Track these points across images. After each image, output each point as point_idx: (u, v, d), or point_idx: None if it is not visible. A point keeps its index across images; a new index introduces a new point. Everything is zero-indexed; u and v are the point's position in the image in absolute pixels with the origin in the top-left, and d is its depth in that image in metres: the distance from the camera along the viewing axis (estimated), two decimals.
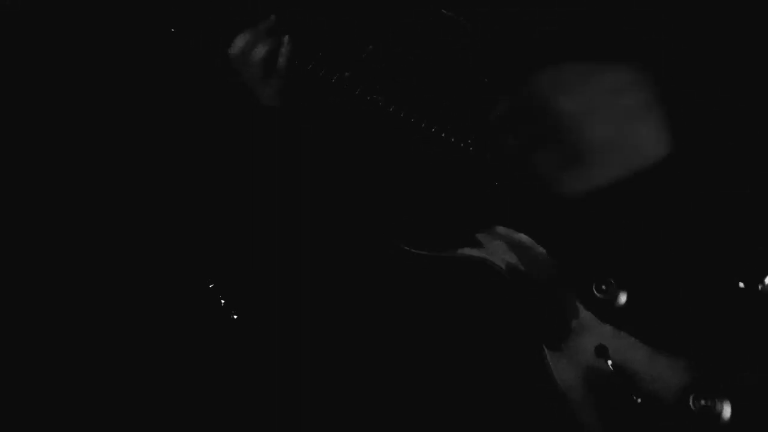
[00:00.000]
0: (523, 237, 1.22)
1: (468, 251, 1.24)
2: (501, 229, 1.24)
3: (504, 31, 1.31)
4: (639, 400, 1.05)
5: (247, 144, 1.55)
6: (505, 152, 1.11)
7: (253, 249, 1.61)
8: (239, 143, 1.56)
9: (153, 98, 1.65)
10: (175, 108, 1.63)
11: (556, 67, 1.07)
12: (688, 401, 1.02)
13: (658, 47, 1.09)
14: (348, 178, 1.47)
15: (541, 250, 1.20)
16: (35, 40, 1.64)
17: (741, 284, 1.06)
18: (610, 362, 1.09)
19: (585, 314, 1.14)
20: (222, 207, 1.61)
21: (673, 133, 1.05)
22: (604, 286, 1.13)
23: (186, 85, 1.61)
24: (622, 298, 1.12)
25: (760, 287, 1.05)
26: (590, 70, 1.06)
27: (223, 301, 1.60)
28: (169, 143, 1.65)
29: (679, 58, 1.08)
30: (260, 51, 1.40)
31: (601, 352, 1.10)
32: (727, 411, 1.01)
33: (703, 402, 1.01)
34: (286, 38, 1.39)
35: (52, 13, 1.63)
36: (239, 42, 1.40)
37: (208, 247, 1.64)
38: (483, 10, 1.33)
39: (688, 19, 1.12)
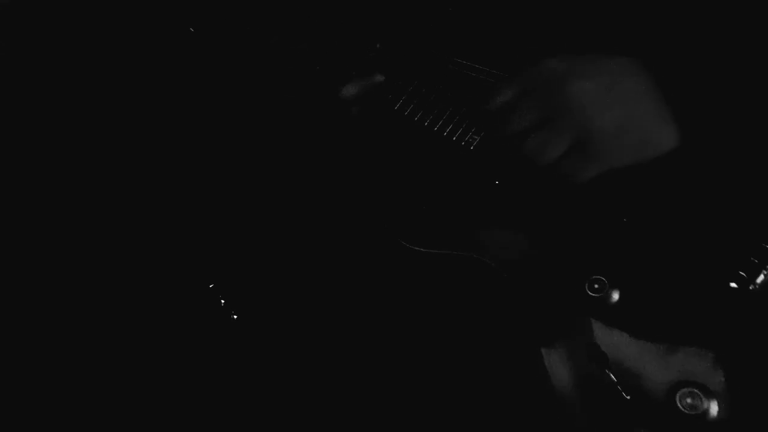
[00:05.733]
0: (520, 235, 1.22)
1: (464, 249, 1.25)
2: (499, 227, 1.24)
3: (508, 29, 1.31)
4: (628, 398, 1.05)
5: (247, 142, 1.56)
6: (508, 138, 1.10)
7: (253, 248, 1.61)
8: (239, 141, 1.57)
9: (154, 97, 1.66)
10: (176, 107, 1.64)
11: (565, 53, 1.07)
12: (675, 399, 1.02)
13: (656, 41, 1.10)
14: (347, 174, 1.48)
15: (538, 248, 1.20)
16: (36, 39, 1.66)
17: (733, 284, 1.06)
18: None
19: (578, 312, 1.14)
20: (222, 206, 1.62)
21: (679, 125, 1.05)
22: (596, 285, 1.13)
23: (188, 84, 1.62)
24: (615, 296, 1.12)
25: (751, 287, 1.05)
26: (600, 56, 1.07)
27: (223, 301, 1.60)
28: (170, 142, 1.66)
29: (678, 53, 1.08)
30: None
31: (593, 350, 1.10)
32: (714, 409, 1.01)
33: (690, 400, 1.01)
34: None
35: (54, 11, 1.65)
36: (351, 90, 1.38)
37: (208, 247, 1.64)
38: (489, 7, 1.34)
39: (687, 13, 1.12)
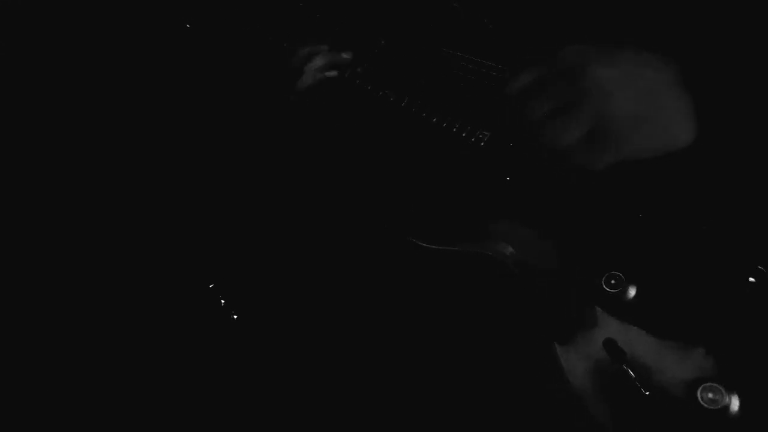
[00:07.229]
0: (532, 231, 1.22)
1: (476, 245, 1.24)
2: (510, 223, 1.24)
3: (517, 24, 1.32)
4: (647, 393, 1.05)
5: (249, 140, 1.55)
6: (525, 123, 1.10)
7: (254, 248, 1.60)
8: (242, 139, 1.57)
9: (154, 96, 1.65)
10: (177, 106, 1.64)
11: (586, 43, 1.07)
12: (696, 394, 1.02)
13: (681, 40, 1.10)
14: (356, 171, 1.47)
15: (551, 244, 1.20)
16: (36, 38, 1.65)
17: (751, 279, 1.06)
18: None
19: (594, 308, 1.14)
20: (223, 205, 1.61)
21: (699, 122, 1.05)
22: (613, 281, 1.13)
23: (189, 82, 1.62)
24: (632, 291, 1.12)
25: None
26: (625, 48, 1.07)
27: (223, 301, 1.59)
28: (171, 142, 1.65)
29: (701, 49, 1.08)
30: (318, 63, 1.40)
31: (610, 345, 1.10)
32: (735, 404, 1.01)
33: (711, 395, 1.01)
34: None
35: (55, 10, 1.64)
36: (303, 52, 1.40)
37: (208, 247, 1.64)
38: (496, 3, 1.34)
39: (708, 9, 1.13)
